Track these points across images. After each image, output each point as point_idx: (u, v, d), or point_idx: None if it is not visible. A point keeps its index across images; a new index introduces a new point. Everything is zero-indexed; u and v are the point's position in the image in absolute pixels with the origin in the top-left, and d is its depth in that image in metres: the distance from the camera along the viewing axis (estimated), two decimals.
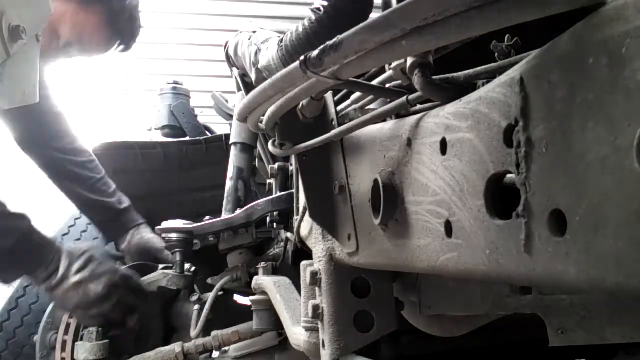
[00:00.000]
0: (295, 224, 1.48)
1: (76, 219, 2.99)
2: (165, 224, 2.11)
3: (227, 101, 3.57)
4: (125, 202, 2.49)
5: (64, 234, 2.85)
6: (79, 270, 1.82)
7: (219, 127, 3.59)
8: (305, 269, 1.12)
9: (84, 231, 2.94)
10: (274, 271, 1.85)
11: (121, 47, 2.34)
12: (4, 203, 1.71)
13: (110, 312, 1.84)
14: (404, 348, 1.55)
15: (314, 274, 1.08)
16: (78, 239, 2.87)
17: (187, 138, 3.19)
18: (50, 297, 1.90)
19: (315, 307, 1.06)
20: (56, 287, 1.80)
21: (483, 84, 0.66)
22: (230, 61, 1.95)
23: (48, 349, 1.97)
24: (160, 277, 2.07)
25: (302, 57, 0.62)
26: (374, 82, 0.87)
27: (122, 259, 2.70)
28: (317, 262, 1.10)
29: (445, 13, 0.48)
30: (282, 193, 1.92)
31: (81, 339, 1.85)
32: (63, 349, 1.87)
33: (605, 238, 0.40)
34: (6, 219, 1.72)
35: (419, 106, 0.81)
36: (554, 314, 1.01)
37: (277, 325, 1.62)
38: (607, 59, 0.40)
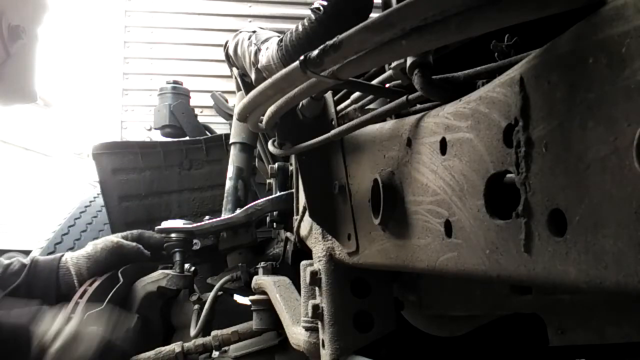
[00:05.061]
0: (295, 224, 1.48)
1: (76, 219, 3.00)
2: (165, 224, 2.11)
3: (227, 101, 3.57)
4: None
5: (64, 234, 2.85)
6: None
7: (219, 127, 3.59)
8: (305, 269, 1.12)
9: (84, 231, 2.94)
10: (274, 271, 1.85)
11: None
12: None
13: None
14: (404, 348, 1.55)
15: (314, 274, 1.08)
16: (78, 239, 2.87)
17: (187, 138, 3.20)
18: None
19: (315, 307, 1.06)
20: None
21: (483, 84, 0.66)
22: (230, 61, 1.95)
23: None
24: (160, 277, 2.06)
25: (302, 57, 0.61)
26: (374, 82, 0.87)
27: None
28: (317, 262, 1.10)
29: (445, 13, 0.48)
30: (282, 193, 1.92)
31: None
32: None
33: (605, 238, 0.40)
34: None
35: (419, 106, 0.81)
36: (554, 314, 1.01)
37: (277, 325, 1.62)
38: (607, 59, 0.40)
